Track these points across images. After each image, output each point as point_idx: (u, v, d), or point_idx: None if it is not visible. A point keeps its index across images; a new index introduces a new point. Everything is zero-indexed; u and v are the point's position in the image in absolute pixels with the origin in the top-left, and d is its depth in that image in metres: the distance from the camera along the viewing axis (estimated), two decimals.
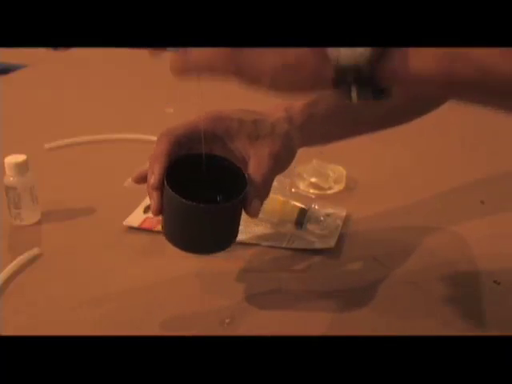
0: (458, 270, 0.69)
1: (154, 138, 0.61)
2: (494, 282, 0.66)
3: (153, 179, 0.57)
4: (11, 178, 0.76)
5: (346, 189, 0.86)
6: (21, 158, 0.76)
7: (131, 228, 0.77)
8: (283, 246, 0.73)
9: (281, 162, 0.62)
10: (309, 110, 0.65)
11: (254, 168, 0.60)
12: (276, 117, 0.64)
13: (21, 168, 0.76)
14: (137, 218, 0.78)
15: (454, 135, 1.02)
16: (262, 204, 0.60)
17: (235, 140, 0.62)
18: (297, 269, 0.70)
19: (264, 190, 0.60)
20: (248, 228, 0.76)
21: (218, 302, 0.65)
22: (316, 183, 0.85)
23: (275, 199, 0.79)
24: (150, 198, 0.58)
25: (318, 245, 0.73)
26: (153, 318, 0.63)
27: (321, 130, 0.66)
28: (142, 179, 0.61)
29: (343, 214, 0.79)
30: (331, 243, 0.73)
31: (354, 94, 0.46)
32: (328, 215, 0.78)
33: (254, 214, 0.59)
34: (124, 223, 0.77)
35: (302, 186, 0.85)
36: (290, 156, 0.64)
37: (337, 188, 0.85)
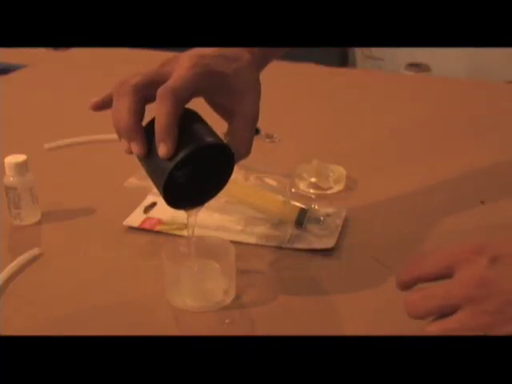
0: None
1: None
2: None
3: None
4: (11, 178, 0.76)
5: (346, 189, 0.86)
6: (21, 157, 0.76)
7: (131, 228, 0.77)
8: (283, 246, 0.73)
9: (257, 119, 0.66)
10: (267, 55, 0.70)
11: (239, 132, 0.64)
12: (247, 60, 0.66)
13: (21, 168, 0.76)
14: (137, 218, 0.78)
15: (454, 135, 1.02)
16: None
17: (219, 95, 0.64)
18: (297, 269, 0.70)
19: (246, 154, 0.64)
20: (248, 228, 0.76)
21: None
22: (316, 183, 0.85)
23: (275, 199, 0.79)
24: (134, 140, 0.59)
25: (318, 245, 0.73)
26: (153, 318, 0.63)
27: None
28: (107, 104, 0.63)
29: (343, 214, 0.79)
30: (331, 243, 0.73)
31: None
32: (328, 215, 0.78)
33: None
34: (124, 223, 0.77)
35: (301, 185, 0.85)
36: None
37: (337, 188, 0.85)
